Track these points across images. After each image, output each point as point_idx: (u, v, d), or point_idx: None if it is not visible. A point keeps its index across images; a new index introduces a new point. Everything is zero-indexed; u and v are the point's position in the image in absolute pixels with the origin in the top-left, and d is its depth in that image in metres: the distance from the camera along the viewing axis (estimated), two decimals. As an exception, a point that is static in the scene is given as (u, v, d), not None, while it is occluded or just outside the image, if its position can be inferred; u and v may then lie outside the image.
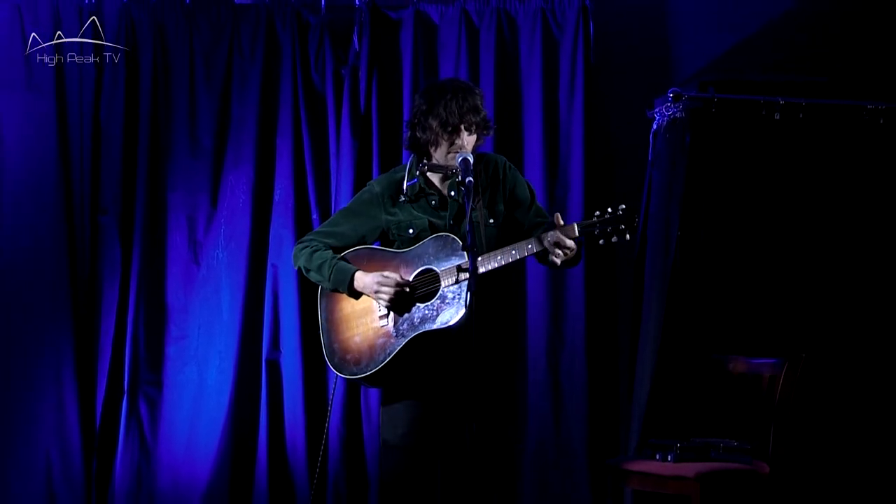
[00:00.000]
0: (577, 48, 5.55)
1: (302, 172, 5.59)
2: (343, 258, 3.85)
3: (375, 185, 3.95)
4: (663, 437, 4.89)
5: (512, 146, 5.59)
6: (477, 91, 3.84)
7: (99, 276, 5.52)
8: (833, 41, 5.68)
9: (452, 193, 3.84)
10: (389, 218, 3.87)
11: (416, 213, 3.84)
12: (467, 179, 3.64)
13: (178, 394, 5.51)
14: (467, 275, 3.56)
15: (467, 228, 3.53)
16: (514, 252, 3.67)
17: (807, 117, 5.29)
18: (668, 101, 5.31)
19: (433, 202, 3.85)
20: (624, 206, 3.61)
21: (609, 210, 3.63)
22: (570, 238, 3.60)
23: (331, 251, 3.86)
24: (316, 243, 3.89)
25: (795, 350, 4.77)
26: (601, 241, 3.62)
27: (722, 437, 4.84)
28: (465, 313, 3.59)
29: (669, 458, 4.57)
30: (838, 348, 5.27)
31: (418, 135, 3.84)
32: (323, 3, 5.58)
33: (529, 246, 3.66)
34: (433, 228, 3.81)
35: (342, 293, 3.84)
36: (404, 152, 5.55)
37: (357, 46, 5.57)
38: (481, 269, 3.65)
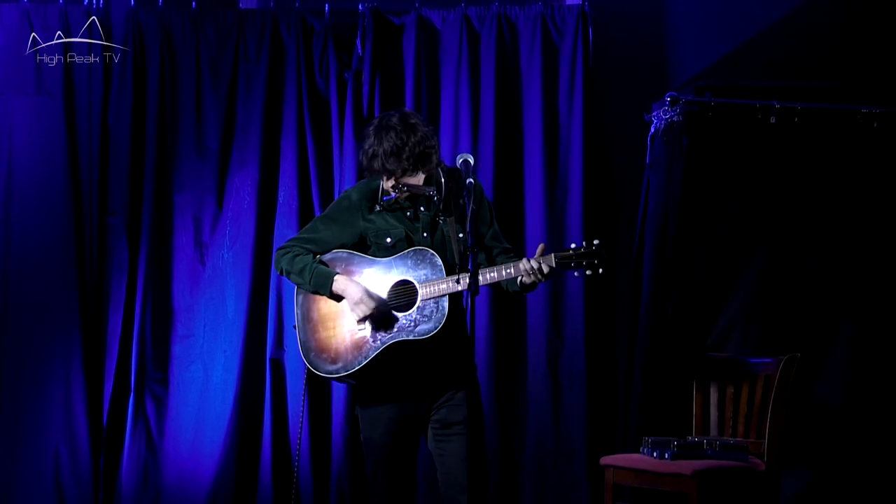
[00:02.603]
0: (577, 53, 5.59)
1: (306, 174, 5.65)
2: (322, 262, 3.95)
3: (353, 192, 4.02)
4: (661, 434, 4.94)
5: (512, 149, 5.64)
6: (390, 131, 3.82)
7: (106, 276, 5.58)
8: (828, 46, 5.71)
9: (423, 208, 3.91)
10: (367, 224, 3.95)
11: (392, 221, 3.92)
12: (468, 181, 3.71)
13: (184, 392, 5.57)
14: (451, 285, 3.71)
15: (468, 229, 3.59)
16: (491, 274, 3.77)
17: (802, 121, 5.31)
18: (666, 105, 5.34)
19: (408, 214, 3.92)
20: (597, 242, 3.72)
21: (584, 244, 3.73)
22: (548, 266, 3.73)
23: (311, 255, 3.96)
24: (297, 248, 3.98)
25: (790, 349, 4.82)
26: (576, 273, 3.76)
27: (718, 435, 4.90)
28: (442, 327, 3.74)
29: (667, 455, 4.62)
30: (833, 347, 5.29)
31: None
32: (327, 8, 5.64)
33: (509, 270, 3.76)
34: (409, 239, 3.90)
35: (323, 295, 3.94)
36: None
37: (360, 51, 5.62)
38: (459, 287, 3.75)
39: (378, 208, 3.93)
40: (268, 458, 5.52)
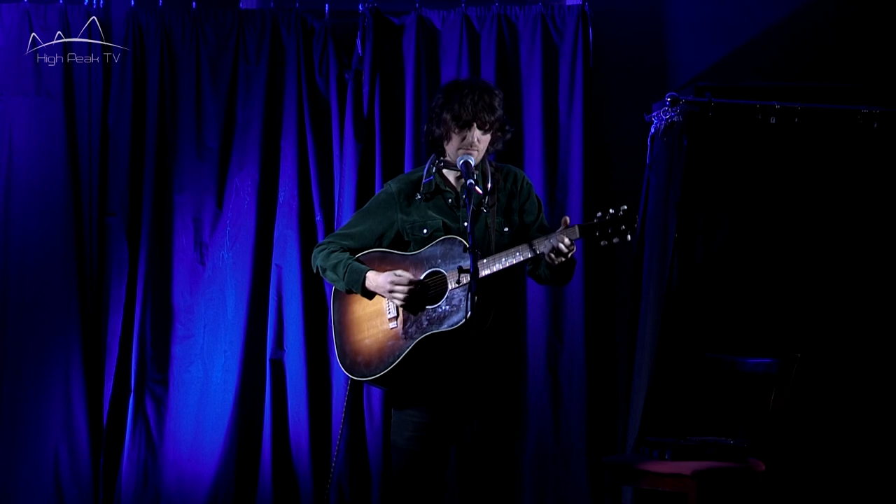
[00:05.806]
0: (577, 53, 5.60)
1: (306, 174, 5.65)
2: (357, 259, 3.88)
3: (392, 184, 3.96)
4: (661, 435, 4.94)
5: (512, 150, 5.62)
6: (496, 92, 3.86)
7: (106, 277, 5.58)
8: (828, 47, 5.72)
9: (465, 198, 3.83)
10: (405, 217, 3.88)
11: (430, 213, 3.86)
12: (468, 182, 3.70)
13: (184, 392, 5.58)
14: (468, 276, 3.60)
15: (468, 230, 3.58)
16: (517, 254, 3.70)
17: (802, 121, 5.31)
18: (666, 106, 5.35)
19: (449, 200, 3.87)
20: (626, 207, 3.64)
21: (611, 210, 3.65)
22: (571, 239, 3.64)
23: (347, 252, 3.89)
24: (333, 245, 3.92)
25: (791, 350, 4.82)
26: (603, 243, 3.64)
27: (718, 435, 4.90)
28: (469, 315, 3.60)
29: (667, 456, 4.61)
30: (833, 348, 5.29)
31: (434, 129, 3.87)
32: (327, 8, 5.65)
33: (533, 248, 3.68)
34: (447, 229, 3.84)
35: (356, 293, 3.86)
36: (406, 155, 5.63)
37: (360, 51, 5.63)
38: (484, 272, 3.69)
39: (419, 198, 3.87)
40: (268, 459, 5.52)
